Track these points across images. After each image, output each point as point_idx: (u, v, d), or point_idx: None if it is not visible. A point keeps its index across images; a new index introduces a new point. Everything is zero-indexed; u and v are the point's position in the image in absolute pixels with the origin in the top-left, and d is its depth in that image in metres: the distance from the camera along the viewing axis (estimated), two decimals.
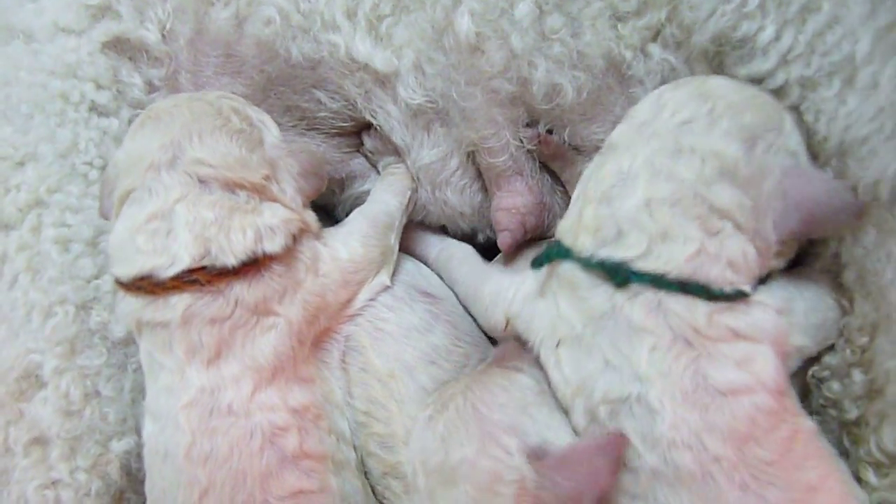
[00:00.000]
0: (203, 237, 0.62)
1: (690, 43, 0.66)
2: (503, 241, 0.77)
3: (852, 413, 0.64)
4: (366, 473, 0.69)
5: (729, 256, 0.58)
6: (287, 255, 0.66)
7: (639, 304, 0.58)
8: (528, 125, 0.77)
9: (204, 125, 0.67)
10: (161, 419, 0.62)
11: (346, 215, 0.80)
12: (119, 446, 0.67)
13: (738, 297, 0.58)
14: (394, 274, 0.76)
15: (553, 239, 0.65)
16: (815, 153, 0.62)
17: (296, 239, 0.67)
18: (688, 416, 0.55)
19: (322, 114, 0.81)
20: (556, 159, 0.79)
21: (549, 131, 0.76)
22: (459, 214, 0.85)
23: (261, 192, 0.66)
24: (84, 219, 0.71)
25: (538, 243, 0.79)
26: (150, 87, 0.80)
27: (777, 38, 0.61)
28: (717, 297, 0.57)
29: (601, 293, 0.59)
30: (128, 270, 0.63)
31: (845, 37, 0.58)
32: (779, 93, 0.63)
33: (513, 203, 0.78)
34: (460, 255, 0.81)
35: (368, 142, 0.85)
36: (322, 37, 0.76)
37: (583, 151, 0.76)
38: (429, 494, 0.59)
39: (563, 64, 0.71)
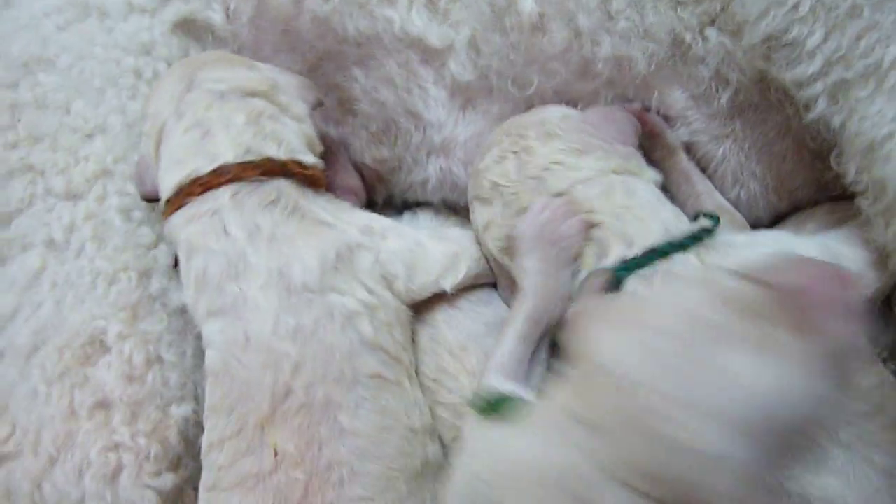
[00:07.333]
0: (240, 136, 0.65)
1: (742, 36, 0.67)
2: None
3: None
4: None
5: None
6: (320, 184, 0.68)
7: None
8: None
9: (204, 60, 0.72)
10: (225, 314, 0.62)
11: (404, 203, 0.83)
12: (178, 412, 0.67)
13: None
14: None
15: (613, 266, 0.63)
16: (843, 150, 0.65)
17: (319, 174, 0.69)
18: None
19: (356, 92, 0.81)
20: (656, 142, 0.76)
21: (647, 108, 0.75)
22: None
23: (273, 101, 0.68)
24: None
25: None
26: None
27: (824, 41, 0.62)
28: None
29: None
30: (170, 182, 0.65)
31: (879, 41, 0.60)
32: (814, 98, 0.64)
33: None
34: None
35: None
36: (378, 12, 0.76)
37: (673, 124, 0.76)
38: None
39: (631, 37, 0.72)
